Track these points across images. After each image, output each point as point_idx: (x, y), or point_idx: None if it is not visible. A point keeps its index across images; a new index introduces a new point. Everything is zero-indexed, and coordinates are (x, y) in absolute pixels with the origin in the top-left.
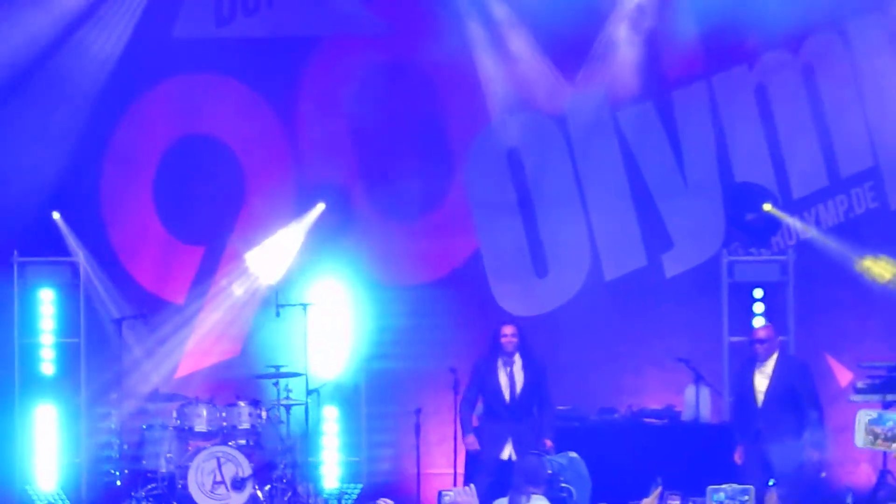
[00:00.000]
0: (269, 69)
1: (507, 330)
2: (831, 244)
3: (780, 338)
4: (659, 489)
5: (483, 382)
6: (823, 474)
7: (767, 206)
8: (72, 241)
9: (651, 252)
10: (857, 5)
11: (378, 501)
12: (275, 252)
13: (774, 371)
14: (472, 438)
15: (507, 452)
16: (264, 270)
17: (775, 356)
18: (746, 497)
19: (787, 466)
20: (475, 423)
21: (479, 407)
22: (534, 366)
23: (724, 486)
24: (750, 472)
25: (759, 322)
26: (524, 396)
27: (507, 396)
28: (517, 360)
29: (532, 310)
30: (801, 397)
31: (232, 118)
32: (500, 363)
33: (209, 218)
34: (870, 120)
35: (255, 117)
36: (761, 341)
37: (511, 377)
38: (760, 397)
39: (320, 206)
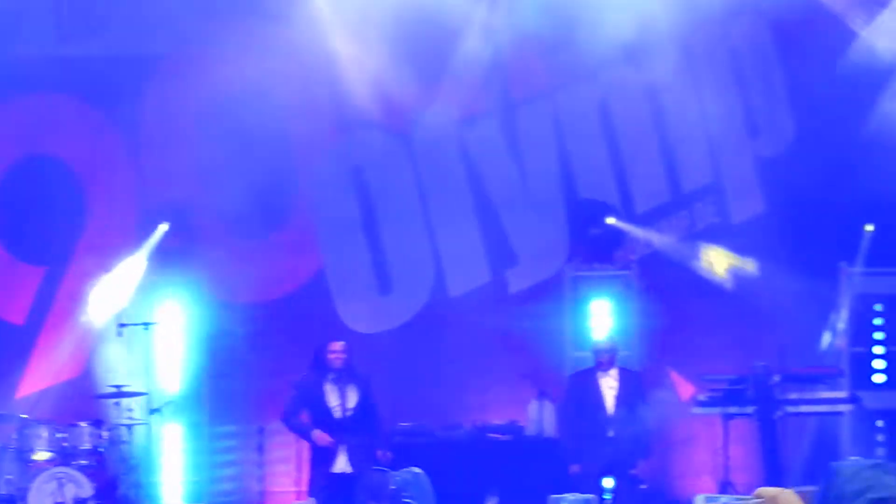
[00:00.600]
0: (111, 87)
1: (336, 346)
2: (677, 250)
3: (622, 352)
4: (495, 500)
5: (309, 400)
6: (644, 486)
7: (611, 220)
8: None
9: (495, 268)
10: (698, 22)
11: None
12: (119, 276)
13: (620, 380)
14: (318, 433)
15: (341, 466)
16: (109, 293)
17: (616, 368)
18: None
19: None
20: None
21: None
22: (361, 381)
23: (566, 495)
24: (593, 480)
25: (601, 334)
26: (356, 412)
27: (338, 413)
28: (345, 377)
29: (377, 326)
30: (637, 408)
31: (73, 138)
32: (328, 380)
33: (51, 238)
34: (711, 135)
35: (97, 136)
36: (605, 351)
37: (342, 394)
38: (610, 404)
39: (163, 227)
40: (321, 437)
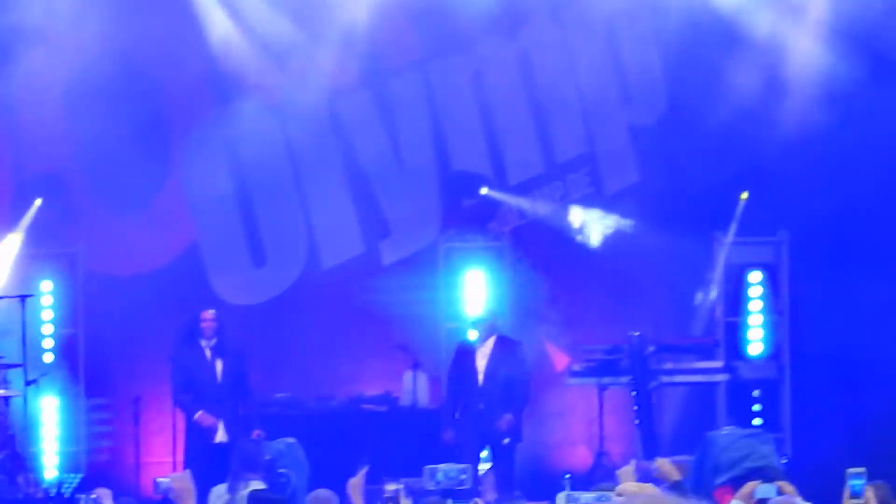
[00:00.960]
0: None
1: (208, 314)
2: (551, 219)
3: (498, 321)
4: (365, 468)
5: (187, 369)
6: (506, 440)
7: (484, 190)
8: None
9: (368, 239)
10: None
11: (96, 490)
12: None
13: (492, 352)
14: (202, 414)
15: (219, 436)
16: None
17: (493, 338)
18: (464, 476)
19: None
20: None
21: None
22: (234, 352)
23: (441, 465)
24: (467, 450)
25: (475, 306)
26: (227, 380)
27: (215, 379)
28: (218, 347)
29: (251, 299)
30: (514, 375)
31: None
32: (203, 348)
33: None
34: (585, 106)
35: None
36: (480, 322)
37: (213, 362)
38: (481, 377)
39: (38, 202)
40: (205, 418)
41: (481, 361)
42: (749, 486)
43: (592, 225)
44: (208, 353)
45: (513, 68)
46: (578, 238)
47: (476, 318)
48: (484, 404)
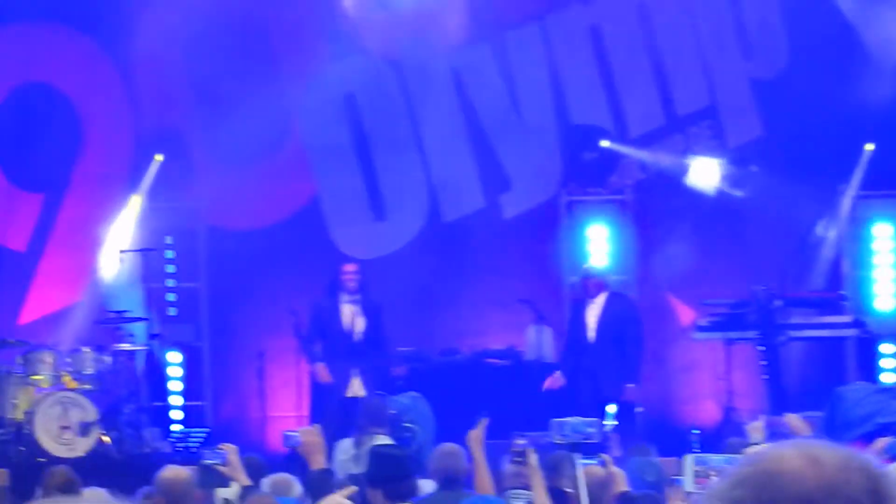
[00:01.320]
0: (104, 14)
1: (349, 268)
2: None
3: (616, 277)
4: (485, 421)
5: (325, 322)
6: (640, 409)
7: (605, 143)
8: None
9: (489, 193)
10: None
11: (221, 446)
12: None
13: (604, 308)
14: (321, 367)
15: (353, 390)
16: (109, 219)
17: (605, 294)
18: (592, 430)
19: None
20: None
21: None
22: (372, 305)
23: (568, 419)
24: (582, 405)
25: (591, 260)
26: (367, 334)
27: (351, 333)
28: (358, 299)
29: (372, 252)
30: (626, 333)
31: (68, 66)
32: (342, 302)
33: (48, 165)
34: (706, 58)
35: (92, 64)
36: (589, 277)
37: (350, 315)
38: (592, 333)
39: (158, 158)
40: (322, 371)
41: (592, 318)
42: (880, 441)
43: (713, 173)
44: (347, 306)
45: (632, 20)
46: (698, 186)
47: (585, 273)
48: (593, 360)
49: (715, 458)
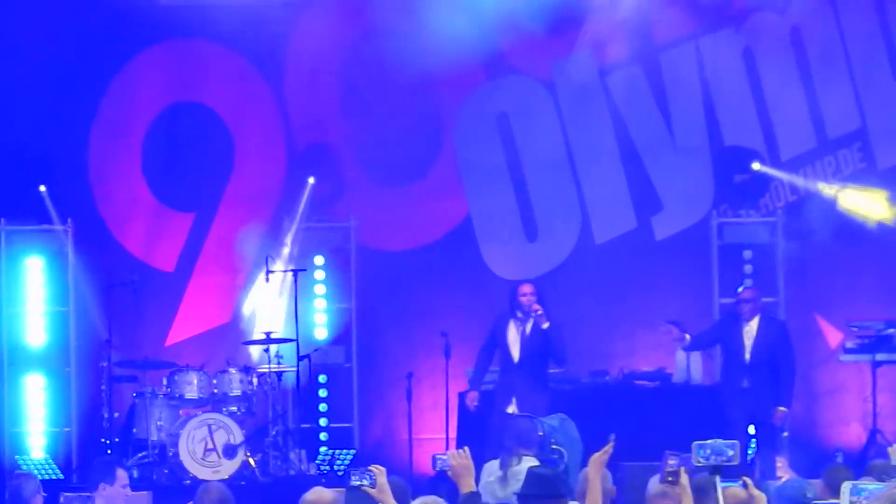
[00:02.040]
0: (257, 34)
1: (526, 289)
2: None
3: (764, 299)
4: (611, 444)
5: (497, 339)
6: (785, 434)
7: (756, 165)
8: (53, 212)
9: (641, 214)
10: None
11: (370, 468)
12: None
13: (759, 330)
14: (473, 395)
15: (512, 409)
16: (258, 240)
17: (758, 317)
18: (731, 452)
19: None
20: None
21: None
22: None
23: (709, 441)
24: (733, 426)
25: (745, 283)
26: (534, 356)
27: (515, 355)
28: (532, 320)
29: (523, 274)
30: (779, 356)
31: (220, 84)
32: (512, 321)
33: (198, 184)
34: (857, 80)
35: (243, 83)
36: (746, 301)
37: (523, 336)
38: (748, 355)
39: (311, 181)
40: (471, 399)
41: (748, 340)
42: None
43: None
44: (519, 327)
45: (784, 42)
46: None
47: (741, 297)
48: (749, 382)
49: (871, 486)
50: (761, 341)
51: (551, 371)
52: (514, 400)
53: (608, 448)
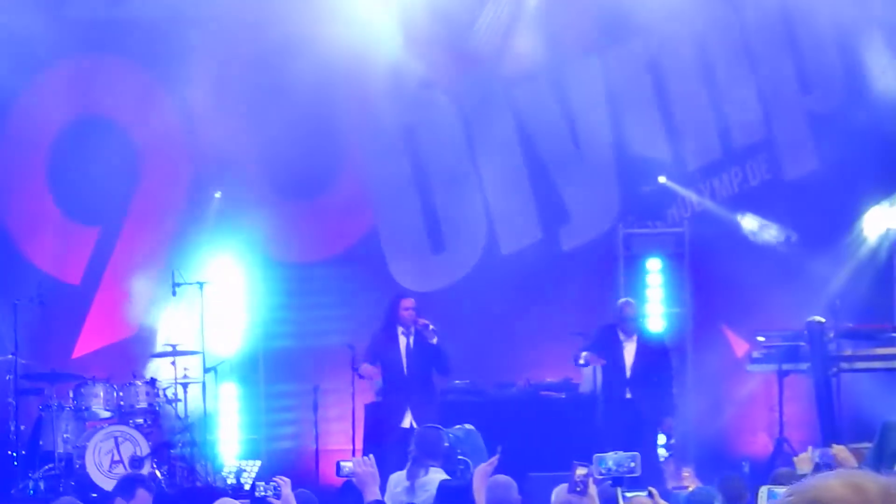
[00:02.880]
0: (163, 49)
1: (407, 303)
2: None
3: (671, 309)
4: (497, 455)
5: (380, 353)
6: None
7: (662, 179)
8: None
9: (547, 225)
10: None
11: (275, 479)
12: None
13: (638, 344)
14: (365, 366)
15: (408, 421)
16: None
17: (636, 335)
18: (633, 463)
19: (649, 432)
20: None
21: (378, 382)
22: (427, 342)
23: (609, 453)
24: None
25: (624, 298)
26: (422, 368)
27: (405, 368)
28: (413, 333)
29: (429, 285)
30: (659, 370)
31: (126, 99)
32: (399, 335)
33: (104, 198)
34: (762, 91)
35: (149, 97)
36: (626, 317)
37: (408, 349)
38: (629, 370)
39: (217, 195)
40: (368, 369)
41: (629, 354)
42: None
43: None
44: (402, 339)
45: (690, 54)
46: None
47: (624, 312)
48: (632, 394)
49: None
50: (641, 355)
51: (457, 383)
52: (408, 411)
53: (493, 460)
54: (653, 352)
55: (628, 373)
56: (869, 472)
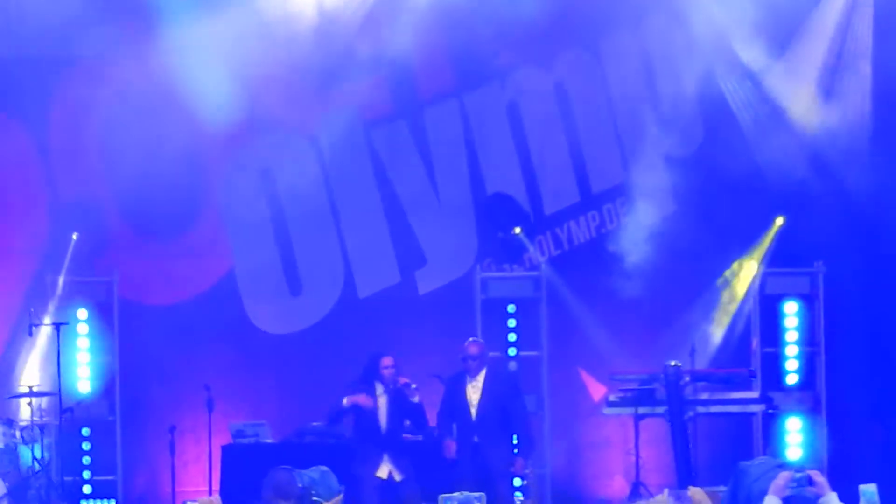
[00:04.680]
0: (20, 89)
1: (387, 361)
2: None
3: (491, 353)
4: (340, 496)
5: (357, 409)
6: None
7: (518, 230)
8: None
9: (404, 268)
10: (608, 23)
11: None
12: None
13: (485, 385)
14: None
15: (386, 471)
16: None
17: (485, 370)
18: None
19: (500, 475)
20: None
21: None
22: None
23: (455, 493)
24: (469, 480)
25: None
26: (399, 425)
27: (383, 427)
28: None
29: (286, 328)
30: (510, 409)
31: None
32: (378, 394)
33: None
34: (621, 135)
35: (7, 138)
36: (472, 357)
37: (388, 407)
38: (474, 410)
39: (74, 237)
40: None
41: (473, 396)
42: None
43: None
44: (382, 398)
45: (549, 97)
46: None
47: (467, 353)
48: (479, 437)
49: None
50: (488, 396)
51: (314, 424)
52: (385, 459)
53: (337, 500)
54: (501, 394)
55: (474, 415)
56: None
